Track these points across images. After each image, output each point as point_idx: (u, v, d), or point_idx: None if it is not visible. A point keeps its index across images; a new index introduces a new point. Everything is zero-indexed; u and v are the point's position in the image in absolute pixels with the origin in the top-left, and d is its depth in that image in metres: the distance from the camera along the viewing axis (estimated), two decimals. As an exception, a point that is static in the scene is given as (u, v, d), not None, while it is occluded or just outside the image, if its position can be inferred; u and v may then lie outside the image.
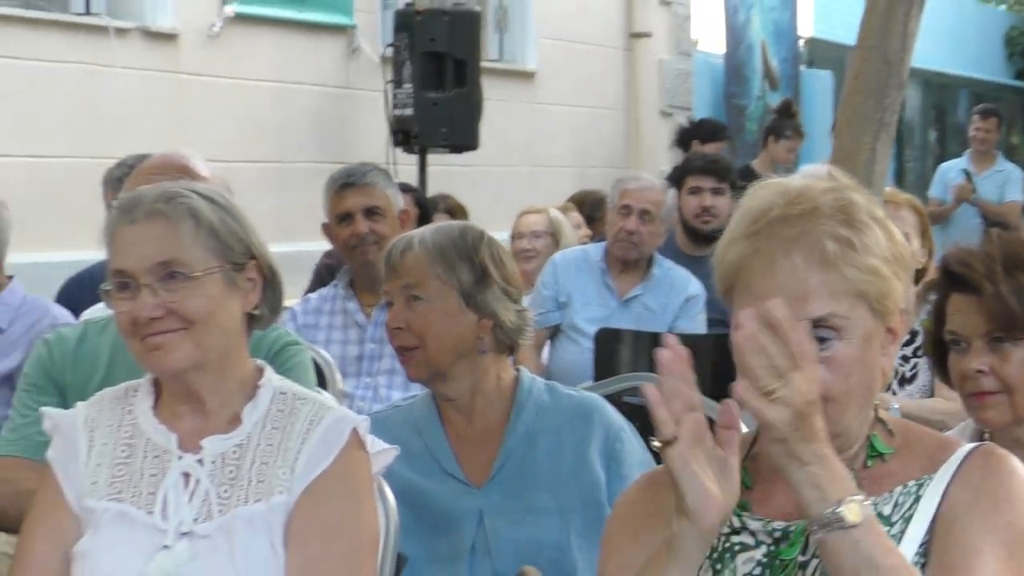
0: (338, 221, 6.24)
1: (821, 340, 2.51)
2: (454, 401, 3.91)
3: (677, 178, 8.22)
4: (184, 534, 3.07)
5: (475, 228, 4.04)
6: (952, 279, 3.48)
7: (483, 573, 3.80)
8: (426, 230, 4.05)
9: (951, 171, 14.11)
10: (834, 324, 2.53)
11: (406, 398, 4.55)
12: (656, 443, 2.44)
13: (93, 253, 5.34)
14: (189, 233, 3.13)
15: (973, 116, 15.13)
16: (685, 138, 12.75)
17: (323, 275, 7.55)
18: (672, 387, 2.44)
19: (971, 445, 2.67)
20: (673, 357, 2.44)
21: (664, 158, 13.60)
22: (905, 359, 4.68)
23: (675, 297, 7.22)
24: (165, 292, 3.07)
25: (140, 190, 3.31)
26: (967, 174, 13.86)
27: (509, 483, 3.88)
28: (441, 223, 4.40)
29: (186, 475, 3.12)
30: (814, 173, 3.02)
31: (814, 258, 2.53)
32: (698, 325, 7.23)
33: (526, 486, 3.87)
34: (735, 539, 2.63)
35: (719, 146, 12.25)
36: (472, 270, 3.81)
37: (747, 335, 2.39)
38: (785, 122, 13.40)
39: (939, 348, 3.55)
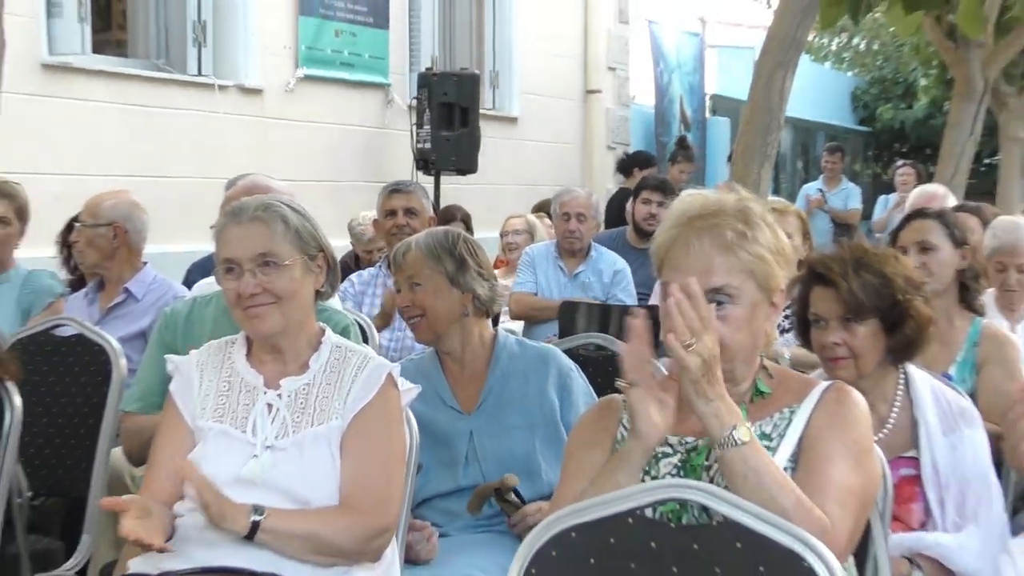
0: (384, 216, 6.07)
1: (719, 303, 2.56)
2: (449, 353, 3.89)
3: (636, 190, 8.25)
4: (268, 447, 3.05)
5: (454, 231, 3.98)
6: (815, 276, 3.41)
7: (474, 476, 3.71)
8: (420, 235, 4.06)
9: (810, 190, 14.22)
10: (730, 292, 2.58)
11: (417, 353, 4.52)
12: (622, 384, 2.52)
13: (205, 246, 5.45)
14: (280, 233, 3.13)
15: (824, 151, 15.42)
16: (626, 165, 12.69)
17: (347, 264, 7.52)
18: (636, 346, 2.53)
19: (827, 383, 2.72)
20: (640, 325, 2.53)
21: (610, 180, 13.55)
22: (786, 316, 4.55)
23: (607, 271, 7.26)
24: (262, 275, 3.07)
25: (244, 200, 3.31)
26: (821, 191, 14.03)
27: (491, 410, 3.83)
28: (430, 229, 4.43)
29: (269, 405, 3.10)
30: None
31: (717, 243, 2.58)
32: (629, 295, 7.17)
33: (503, 411, 3.82)
34: (659, 449, 2.62)
35: (651, 170, 12.29)
36: (453, 260, 3.86)
37: (674, 302, 2.44)
38: (679, 152, 13.47)
39: (803, 325, 3.49)
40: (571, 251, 7.25)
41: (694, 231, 2.61)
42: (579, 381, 3.91)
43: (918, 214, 4.63)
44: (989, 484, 3.27)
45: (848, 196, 14.27)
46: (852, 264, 3.40)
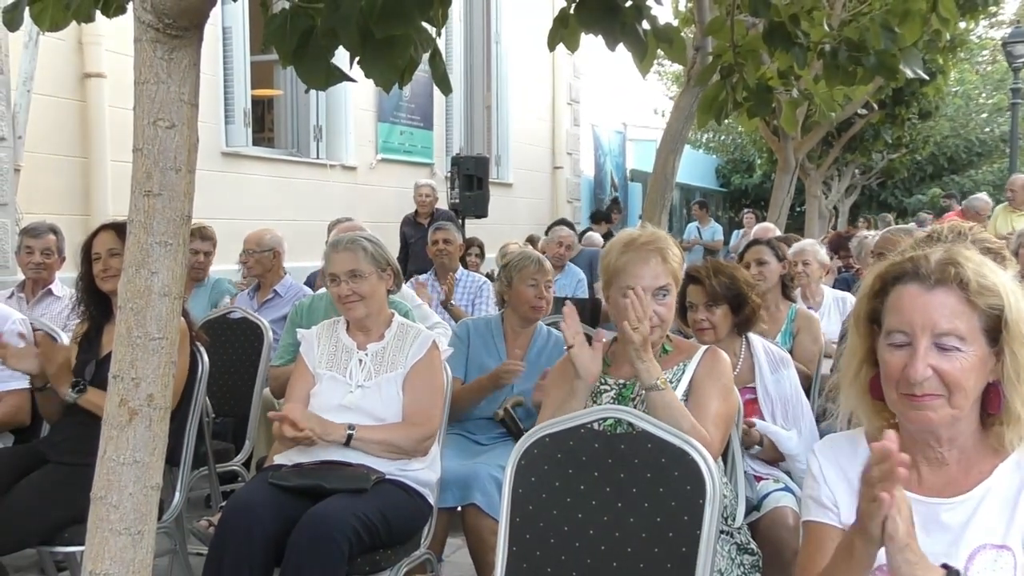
0: (431, 244, 6.21)
1: (663, 297, 2.56)
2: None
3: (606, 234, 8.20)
4: (359, 386, 3.05)
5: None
6: (690, 278, 3.35)
7: (507, 393, 3.65)
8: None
9: (692, 228, 14.37)
10: (667, 289, 2.57)
11: (482, 316, 4.50)
12: (567, 347, 2.51)
13: (318, 262, 5.46)
14: (363, 257, 3.16)
15: (695, 205, 15.63)
16: (597, 217, 12.79)
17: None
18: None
19: (705, 347, 2.70)
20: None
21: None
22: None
23: (572, 279, 7.19)
24: (352, 283, 3.11)
25: (341, 235, 3.36)
26: (698, 230, 14.14)
27: (529, 361, 3.69)
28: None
29: (360, 360, 3.10)
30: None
31: (657, 261, 2.56)
32: (583, 293, 7.18)
33: (531, 371, 3.60)
34: (602, 387, 2.61)
35: (610, 222, 12.48)
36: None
37: (630, 299, 2.45)
38: (613, 207, 13.60)
39: (682, 309, 3.41)
40: (559, 265, 7.08)
41: (643, 253, 2.56)
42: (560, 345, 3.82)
43: (755, 242, 4.65)
44: (802, 404, 3.26)
45: (715, 232, 14.37)
46: (712, 270, 3.39)
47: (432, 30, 1.94)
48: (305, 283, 5.75)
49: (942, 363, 1.48)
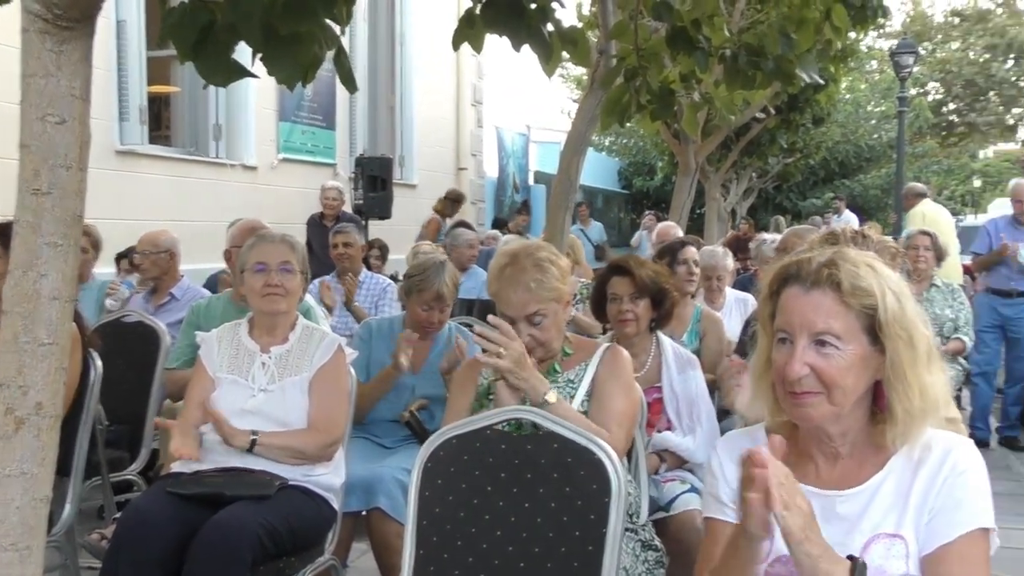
0: (332, 247, 6.09)
1: (538, 322, 2.55)
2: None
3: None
4: (262, 390, 2.99)
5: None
6: (616, 269, 3.42)
7: (411, 395, 3.61)
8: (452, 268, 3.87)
9: (574, 230, 14.68)
10: (541, 313, 2.55)
11: (386, 317, 4.41)
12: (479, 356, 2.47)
13: (214, 264, 5.37)
14: (294, 252, 3.13)
15: (579, 206, 16.04)
16: (499, 223, 12.84)
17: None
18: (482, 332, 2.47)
19: (606, 344, 2.72)
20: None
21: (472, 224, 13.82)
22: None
23: (477, 282, 7.05)
24: (280, 276, 3.05)
25: (269, 230, 3.34)
26: (582, 231, 14.43)
27: (427, 373, 3.64)
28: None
29: (263, 363, 3.04)
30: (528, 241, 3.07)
31: (525, 289, 2.54)
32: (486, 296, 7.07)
33: (434, 374, 3.59)
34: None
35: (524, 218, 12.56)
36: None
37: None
38: (523, 208, 13.62)
39: (600, 301, 3.46)
40: (464, 268, 6.97)
41: (513, 281, 2.55)
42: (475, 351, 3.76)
43: (683, 243, 4.76)
44: (707, 404, 3.32)
45: (600, 231, 14.69)
46: (639, 263, 3.44)
47: (336, 28, 1.91)
48: (204, 286, 5.63)
49: (819, 361, 1.53)
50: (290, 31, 1.68)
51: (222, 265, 5.22)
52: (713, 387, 3.66)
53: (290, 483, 2.86)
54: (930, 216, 8.91)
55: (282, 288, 3.06)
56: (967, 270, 8.01)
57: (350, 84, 2.08)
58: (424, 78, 13.11)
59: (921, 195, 9.79)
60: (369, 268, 6.37)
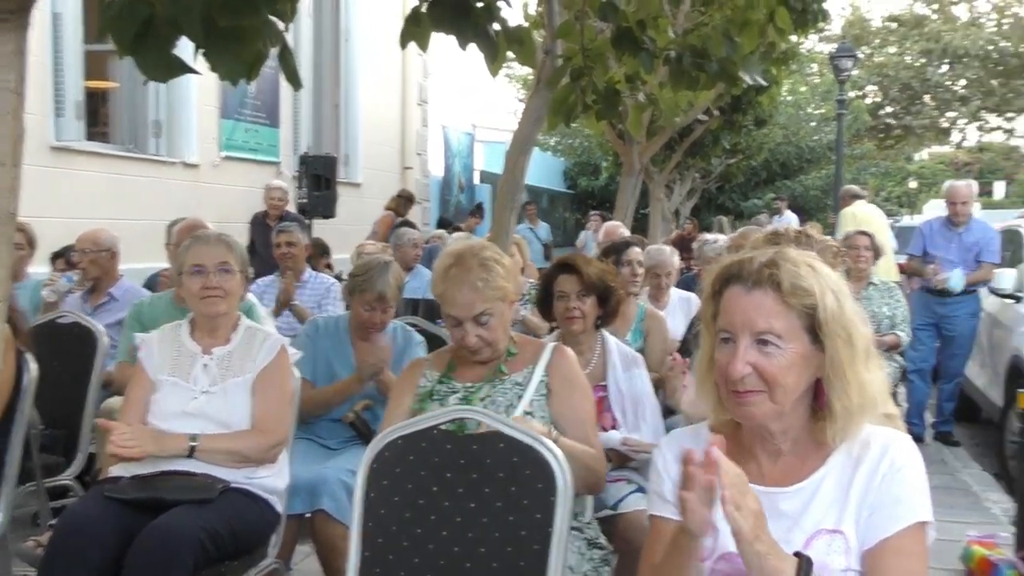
0: (275, 246, 6.02)
1: (484, 321, 2.55)
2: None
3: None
4: (204, 392, 2.94)
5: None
6: (564, 266, 3.42)
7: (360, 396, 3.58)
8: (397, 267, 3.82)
9: (522, 228, 14.61)
10: (488, 313, 2.55)
11: (331, 315, 4.31)
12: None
13: (156, 264, 5.28)
14: (234, 253, 3.07)
15: (527, 206, 16.09)
16: (443, 223, 12.83)
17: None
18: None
19: (552, 344, 2.72)
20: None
21: (417, 223, 13.72)
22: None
23: (422, 281, 6.98)
24: (221, 276, 3.00)
25: (208, 230, 3.27)
26: (530, 230, 14.44)
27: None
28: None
29: (205, 365, 2.99)
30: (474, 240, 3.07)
31: (472, 289, 2.53)
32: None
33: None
34: (447, 389, 2.60)
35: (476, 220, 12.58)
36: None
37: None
38: (477, 211, 13.64)
39: (547, 299, 3.48)
40: (409, 267, 6.90)
41: (455, 283, 2.54)
42: (417, 339, 3.75)
43: (627, 244, 4.76)
44: (652, 402, 3.35)
45: (547, 231, 14.76)
46: (585, 261, 3.47)
47: (281, 24, 1.89)
48: (144, 286, 5.54)
49: (761, 360, 1.55)
50: (232, 26, 1.65)
51: (161, 265, 5.15)
52: (657, 386, 3.69)
53: (232, 486, 2.82)
54: (860, 216, 9.17)
55: (221, 290, 3.01)
56: (903, 269, 8.19)
57: (294, 81, 2.06)
58: (369, 76, 13.04)
59: (856, 196, 10.06)
60: (314, 268, 6.31)
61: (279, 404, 2.98)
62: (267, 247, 6.67)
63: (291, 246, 5.75)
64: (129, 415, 2.95)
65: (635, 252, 4.63)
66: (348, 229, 10.40)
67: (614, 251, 4.64)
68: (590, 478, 2.54)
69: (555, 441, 2.30)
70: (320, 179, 9.81)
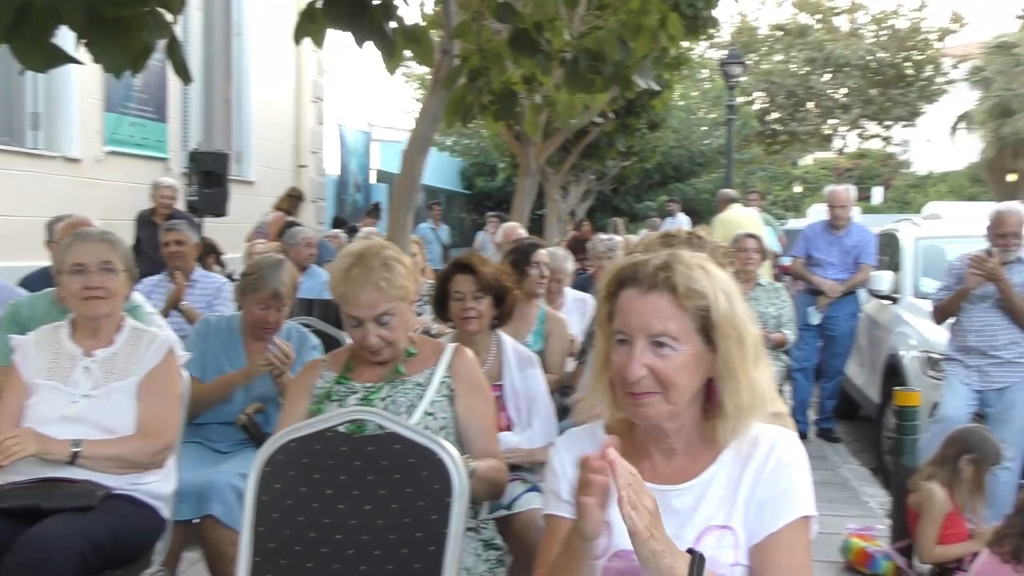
0: (164, 245, 5.82)
1: (386, 321, 2.52)
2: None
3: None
4: (84, 396, 2.83)
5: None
6: (460, 266, 3.43)
7: (247, 400, 3.53)
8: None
9: (424, 228, 14.44)
10: (390, 313, 2.53)
11: (223, 315, 4.15)
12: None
13: (34, 262, 5.05)
14: (117, 251, 2.97)
15: (433, 205, 15.97)
16: (338, 223, 12.66)
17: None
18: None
19: (452, 345, 2.71)
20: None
21: (312, 223, 13.47)
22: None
23: (317, 282, 6.86)
24: (101, 277, 2.90)
25: (89, 228, 3.15)
26: (432, 231, 14.46)
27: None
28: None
29: (86, 368, 2.88)
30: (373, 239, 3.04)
31: (374, 288, 2.51)
32: (328, 295, 6.83)
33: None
34: (346, 390, 2.56)
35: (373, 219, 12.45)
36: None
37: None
38: (374, 211, 13.50)
39: (443, 300, 3.47)
40: (304, 267, 6.76)
41: (357, 283, 2.51)
42: (311, 340, 3.67)
43: (534, 246, 4.78)
44: (546, 402, 3.37)
45: (448, 233, 14.76)
46: (481, 262, 3.47)
47: (169, 16, 1.84)
48: (20, 284, 5.30)
49: (656, 362, 1.57)
50: (115, 14, 1.59)
51: (40, 263, 4.93)
52: (557, 387, 3.73)
53: (115, 492, 2.73)
54: (729, 220, 9.48)
55: (103, 289, 2.92)
56: (786, 271, 8.48)
57: (183, 75, 2.01)
58: (262, 72, 12.79)
59: (731, 201, 10.51)
60: (204, 267, 6.15)
61: (166, 407, 2.90)
62: (154, 246, 6.46)
63: (180, 245, 5.58)
64: (1, 422, 2.81)
65: (542, 254, 4.64)
66: (240, 228, 10.15)
67: (521, 253, 4.64)
68: (495, 490, 2.57)
69: (471, 473, 2.31)
70: (211, 176, 9.56)
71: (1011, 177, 29.99)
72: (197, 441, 3.47)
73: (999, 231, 5.09)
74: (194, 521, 3.15)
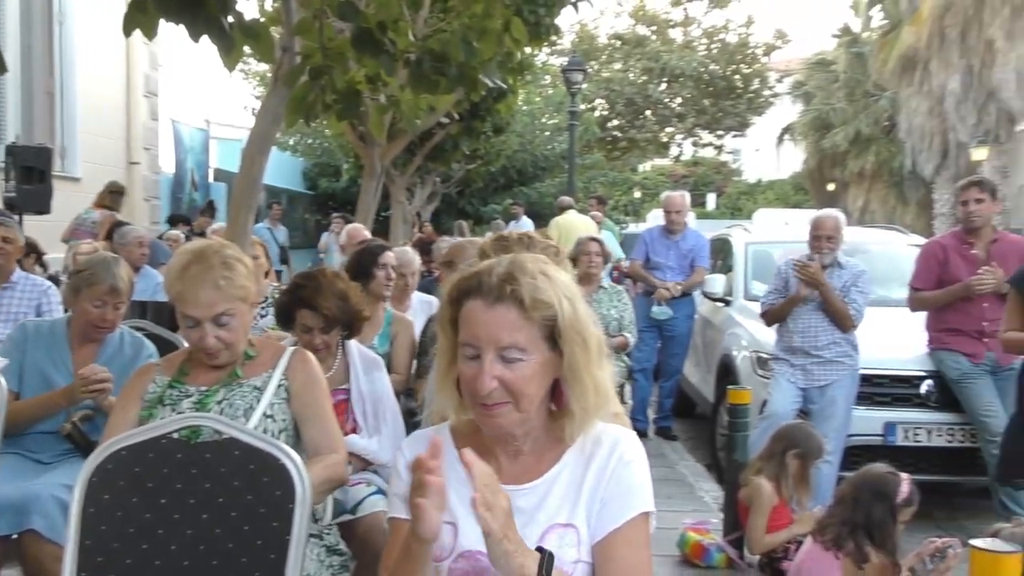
0: None
1: (225, 322, 2.44)
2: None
3: None
4: None
5: None
6: (300, 302, 3.30)
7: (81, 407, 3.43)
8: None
9: (261, 229, 13.63)
10: (229, 313, 2.45)
11: (44, 320, 4.00)
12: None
13: None
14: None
15: (274, 205, 15.49)
16: (175, 219, 12.17)
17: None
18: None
19: (292, 348, 2.66)
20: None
21: (146, 222, 12.85)
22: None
23: (150, 283, 6.46)
24: None
25: None
26: (270, 231, 13.92)
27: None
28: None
29: None
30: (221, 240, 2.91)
31: (213, 287, 2.43)
32: (163, 296, 6.55)
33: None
34: (180, 394, 2.47)
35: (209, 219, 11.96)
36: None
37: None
38: (208, 209, 13.00)
39: (287, 325, 3.37)
40: (137, 267, 6.43)
41: (198, 280, 2.43)
42: (148, 348, 3.49)
43: (381, 249, 4.71)
44: (393, 405, 3.36)
45: (285, 234, 14.47)
46: (324, 297, 3.32)
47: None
48: None
49: (506, 373, 1.59)
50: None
51: None
52: (403, 388, 3.71)
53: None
54: (563, 225, 10.21)
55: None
56: (627, 274, 8.76)
57: None
58: (88, 63, 12.15)
59: (567, 207, 11.13)
60: (23, 268, 5.79)
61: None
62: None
63: (7, 242, 5.26)
64: None
65: (389, 256, 4.59)
66: (65, 227, 9.65)
67: (369, 255, 4.57)
68: (333, 487, 2.53)
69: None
70: (32, 172, 9.04)
71: (830, 186, 31.99)
72: (15, 452, 3.26)
73: (816, 233, 5.42)
74: (13, 536, 2.98)
